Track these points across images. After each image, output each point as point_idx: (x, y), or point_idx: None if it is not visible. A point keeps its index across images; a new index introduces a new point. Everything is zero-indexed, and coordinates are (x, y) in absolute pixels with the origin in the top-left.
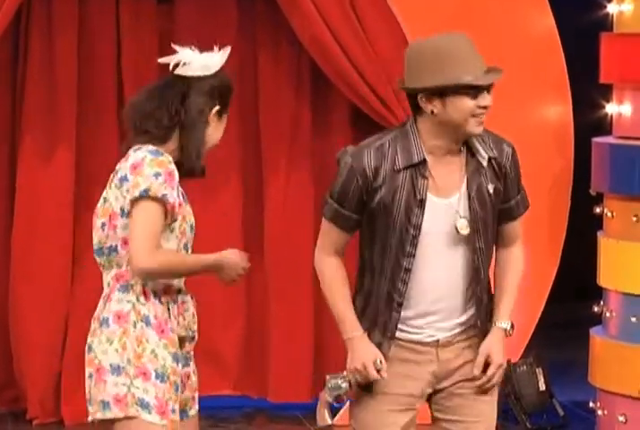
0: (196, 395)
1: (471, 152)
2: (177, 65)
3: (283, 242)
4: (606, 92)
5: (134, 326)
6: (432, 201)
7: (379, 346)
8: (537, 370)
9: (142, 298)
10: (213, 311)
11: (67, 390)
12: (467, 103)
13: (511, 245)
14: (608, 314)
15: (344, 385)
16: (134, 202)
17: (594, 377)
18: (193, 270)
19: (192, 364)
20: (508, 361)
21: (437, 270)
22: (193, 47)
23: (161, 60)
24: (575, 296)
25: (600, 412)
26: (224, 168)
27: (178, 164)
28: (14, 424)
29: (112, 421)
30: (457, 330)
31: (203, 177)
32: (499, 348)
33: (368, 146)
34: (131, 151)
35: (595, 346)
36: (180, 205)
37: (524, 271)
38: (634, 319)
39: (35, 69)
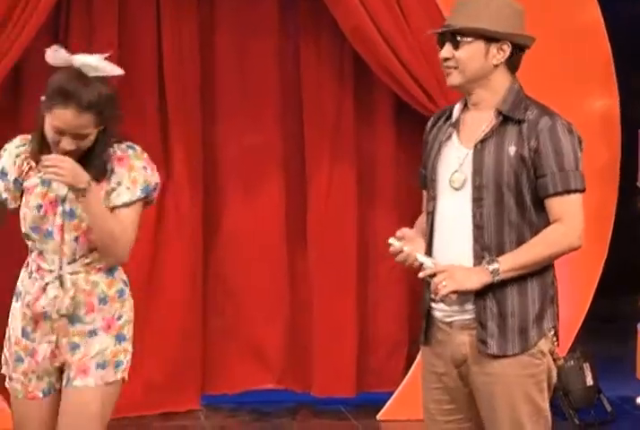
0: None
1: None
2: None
3: (327, 237)
4: None
5: (14, 295)
6: (450, 148)
7: (425, 299)
8: (584, 365)
9: (23, 270)
10: (257, 305)
11: None
12: (439, 53)
13: (557, 222)
14: None
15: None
16: None
17: None
18: None
19: (57, 340)
20: (556, 355)
21: (448, 222)
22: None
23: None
24: (622, 291)
25: None
26: (267, 164)
27: None
28: None
29: None
30: (469, 316)
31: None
32: (462, 268)
33: (422, 114)
34: None
35: None
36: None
37: (571, 263)
38: None
39: None
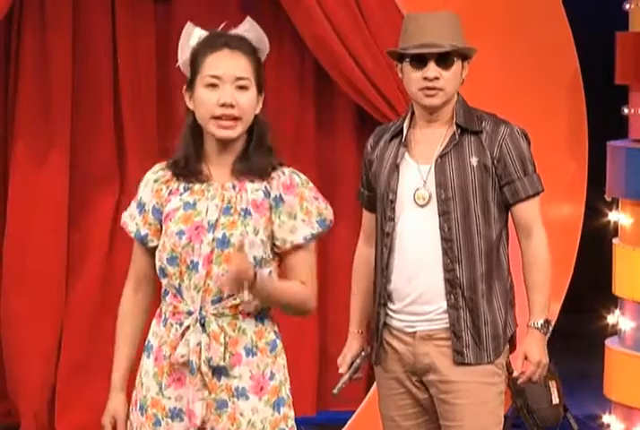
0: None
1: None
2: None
3: None
4: (622, 94)
5: (144, 351)
6: (407, 166)
7: (377, 315)
8: (550, 382)
9: (154, 321)
10: None
11: (62, 403)
12: (411, 74)
13: (529, 234)
14: (624, 325)
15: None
16: None
17: (609, 390)
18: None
19: (213, 395)
20: (511, 368)
21: (413, 239)
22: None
23: None
24: (589, 306)
25: (615, 426)
26: None
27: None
28: None
29: None
30: (435, 326)
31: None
32: (536, 346)
33: (382, 124)
34: None
35: (610, 357)
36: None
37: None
38: None
39: (28, 71)
